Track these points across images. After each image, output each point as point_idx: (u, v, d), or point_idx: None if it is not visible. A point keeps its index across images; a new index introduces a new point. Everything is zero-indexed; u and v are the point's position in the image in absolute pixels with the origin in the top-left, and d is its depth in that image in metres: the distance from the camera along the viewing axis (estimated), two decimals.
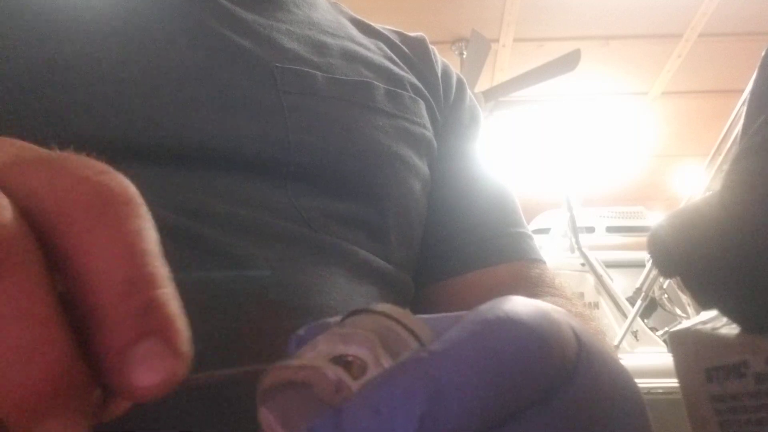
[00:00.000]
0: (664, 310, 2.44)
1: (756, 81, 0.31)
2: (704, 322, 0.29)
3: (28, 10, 0.37)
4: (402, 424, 0.15)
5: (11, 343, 0.14)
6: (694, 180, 2.32)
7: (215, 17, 0.43)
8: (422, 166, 0.49)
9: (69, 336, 0.15)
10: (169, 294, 0.16)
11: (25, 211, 0.16)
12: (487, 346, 0.16)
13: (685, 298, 2.48)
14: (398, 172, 0.46)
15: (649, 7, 2.77)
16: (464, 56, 2.99)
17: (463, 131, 0.55)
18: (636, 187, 4.38)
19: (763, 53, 0.32)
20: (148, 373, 0.15)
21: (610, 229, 3.67)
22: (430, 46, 0.58)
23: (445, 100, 0.55)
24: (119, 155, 0.26)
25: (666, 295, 2.48)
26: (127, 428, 0.18)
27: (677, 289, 2.46)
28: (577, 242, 2.63)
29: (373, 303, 0.19)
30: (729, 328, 0.27)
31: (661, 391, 1.43)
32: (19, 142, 0.19)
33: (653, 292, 2.36)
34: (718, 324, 0.28)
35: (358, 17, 0.57)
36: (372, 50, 0.52)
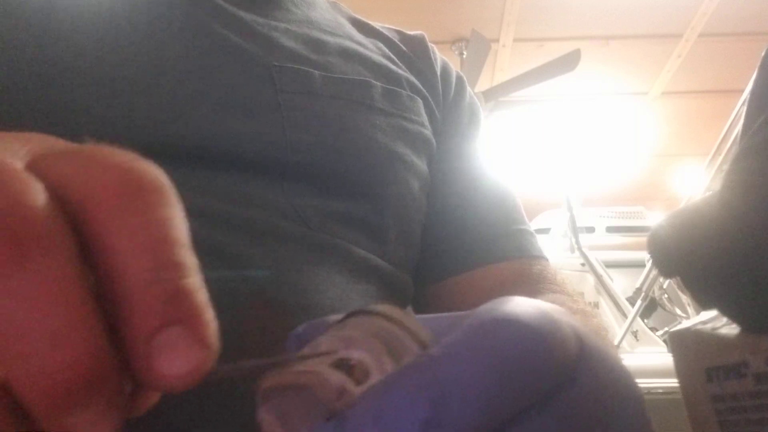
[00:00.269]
0: (664, 310, 2.44)
1: (756, 81, 0.31)
2: (704, 322, 0.29)
3: (27, 11, 0.37)
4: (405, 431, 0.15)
5: (41, 326, 0.14)
6: (694, 180, 2.32)
7: (213, 17, 0.43)
8: (421, 165, 0.49)
9: (101, 323, 0.15)
10: (196, 283, 0.16)
11: (57, 198, 0.16)
12: (487, 348, 0.16)
13: (685, 298, 2.48)
14: (396, 170, 0.46)
15: (649, 7, 2.77)
16: (464, 56, 2.98)
17: (462, 129, 0.55)
18: (636, 187, 4.38)
19: (763, 53, 0.32)
20: (174, 361, 0.15)
21: (610, 229, 3.67)
22: (430, 45, 0.58)
23: (444, 98, 0.55)
24: None
25: (666, 295, 2.47)
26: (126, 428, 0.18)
27: (677, 289, 2.46)
28: (577, 242, 2.63)
29: (373, 304, 0.19)
30: (729, 328, 0.28)
31: (661, 391, 1.43)
32: (51, 138, 0.19)
33: (653, 292, 2.36)
34: (718, 324, 0.28)
35: (357, 16, 0.57)
36: (370, 49, 0.52)
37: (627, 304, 2.43)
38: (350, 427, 0.15)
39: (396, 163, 0.46)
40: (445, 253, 0.50)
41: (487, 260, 0.49)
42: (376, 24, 0.57)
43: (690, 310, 2.44)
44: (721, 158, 1.96)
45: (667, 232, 0.28)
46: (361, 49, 0.51)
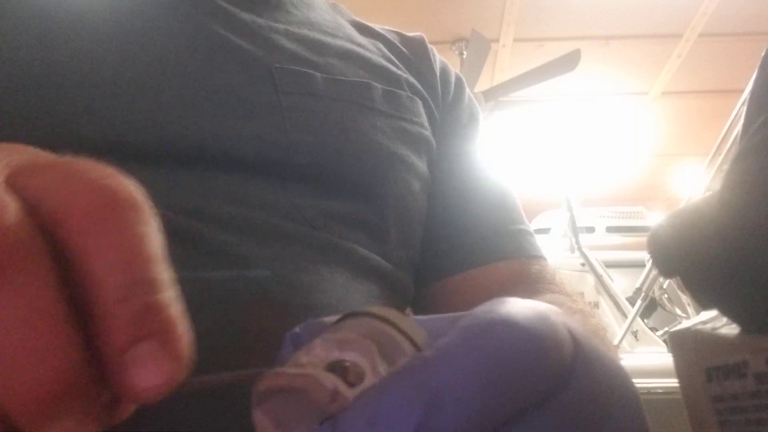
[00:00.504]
0: (664, 310, 2.44)
1: (756, 81, 0.31)
2: (704, 322, 0.29)
3: (27, 11, 0.37)
4: None
5: (22, 344, 0.14)
6: (694, 180, 2.32)
7: (214, 18, 0.43)
8: (421, 166, 0.49)
9: (78, 338, 0.15)
10: (169, 298, 0.16)
11: (33, 214, 0.16)
12: (482, 350, 0.16)
13: (685, 298, 2.48)
14: (397, 171, 0.46)
15: (649, 7, 2.77)
16: (464, 56, 2.99)
17: (461, 130, 0.55)
18: (636, 187, 4.38)
19: (763, 53, 0.32)
20: (146, 374, 0.16)
21: (610, 229, 3.67)
22: (429, 46, 0.58)
23: (443, 99, 0.55)
24: (119, 156, 0.26)
25: (666, 295, 2.48)
26: (125, 428, 0.18)
27: (677, 289, 2.46)
28: (577, 242, 2.63)
29: (369, 305, 0.19)
30: (729, 328, 0.28)
31: (661, 391, 1.43)
32: (31, 149, 0.19)
33: (653, 292, 2.36)
34: (718, 324, 0.28)
35: (356, 18, 0.57)
36: (370, 50, 0.52)
37: (627, 304, 2.43)
38: (343, 430, 0.15)
39: (396, 164, 0.46)
40: (444, 253, 0.50)
41: (487, 260, 0.49)
42: (376, 25, 0.57)
43: (690, 310, 2.44)
44: (721, 158, 1.96)
45: (667, 232, 0.28)
46: (361, 51, 0.51)
